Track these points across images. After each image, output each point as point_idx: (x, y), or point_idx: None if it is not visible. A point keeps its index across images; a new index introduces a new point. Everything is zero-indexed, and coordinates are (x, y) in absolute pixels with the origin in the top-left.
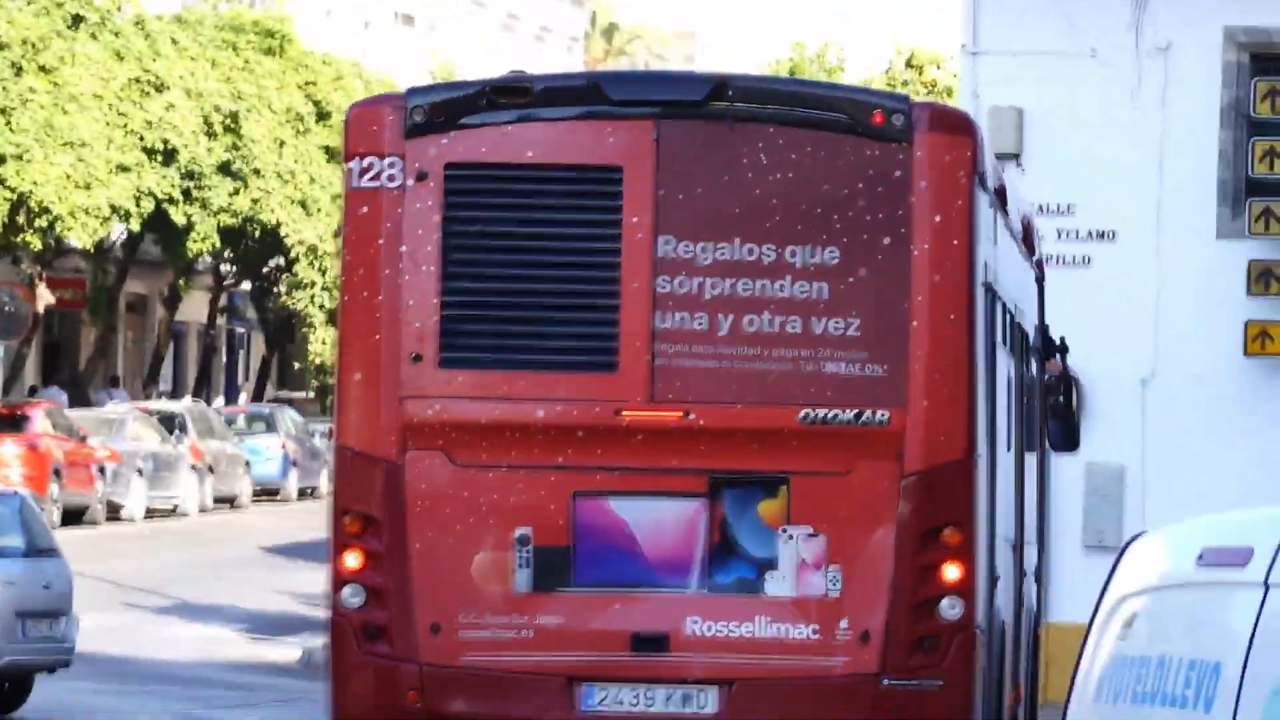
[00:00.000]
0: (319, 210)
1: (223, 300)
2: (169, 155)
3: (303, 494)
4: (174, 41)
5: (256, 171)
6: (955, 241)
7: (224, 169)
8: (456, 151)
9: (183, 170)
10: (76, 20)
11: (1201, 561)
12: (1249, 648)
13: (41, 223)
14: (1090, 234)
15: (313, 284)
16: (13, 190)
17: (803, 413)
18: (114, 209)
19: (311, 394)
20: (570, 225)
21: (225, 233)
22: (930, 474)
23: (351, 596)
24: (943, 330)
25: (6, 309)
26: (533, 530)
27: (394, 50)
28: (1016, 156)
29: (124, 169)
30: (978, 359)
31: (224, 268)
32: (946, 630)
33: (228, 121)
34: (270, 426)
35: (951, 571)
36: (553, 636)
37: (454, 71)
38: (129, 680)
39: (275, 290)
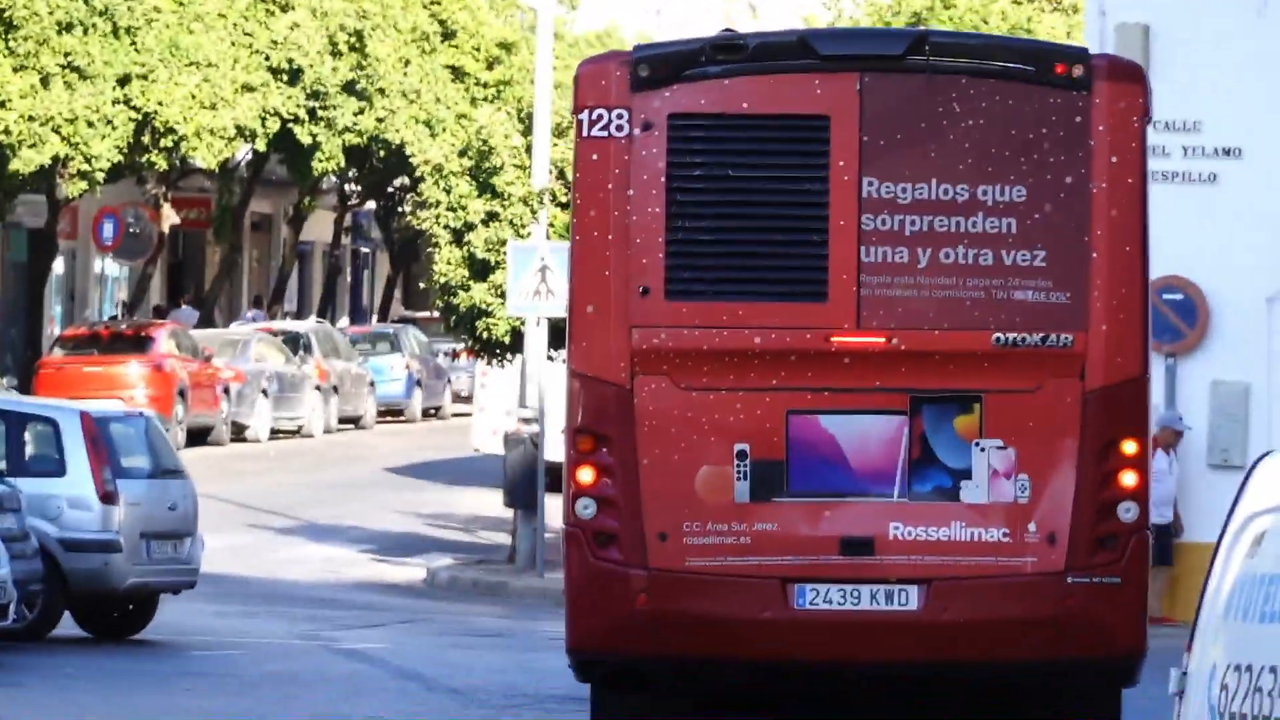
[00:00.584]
0: (444, 130)
1: (347, 220)
2: (294, 75)
3: (427, 414)
4: None
5: (381, 91)
6: (1130, 180)
7: (349, 88)
8: (679, 103)
9: (308, 90)
10: None
11: None
12: None
13: (167, 143)
14: (1217, 151)
15: (437, 203)
16: (138, 110)
17: (995, 336)
18: (239, 129)
19: (436, 314)
20: (783, 169)
21: (350, 152)
22: (1110, 390)
23: (585, 508)
24: (1120, 261)
25: (132, 229)
26: (750, 446)
27: None
28: None
29: (249, 89)
30: (1148, 287)
31: (349, 187)
32: (1124, 531)
33: (353, 40)
34: (395, 346)
35: (1128, 478)
36: (769, 542)
37: None
38: (253, 601)
39: (400, 210)
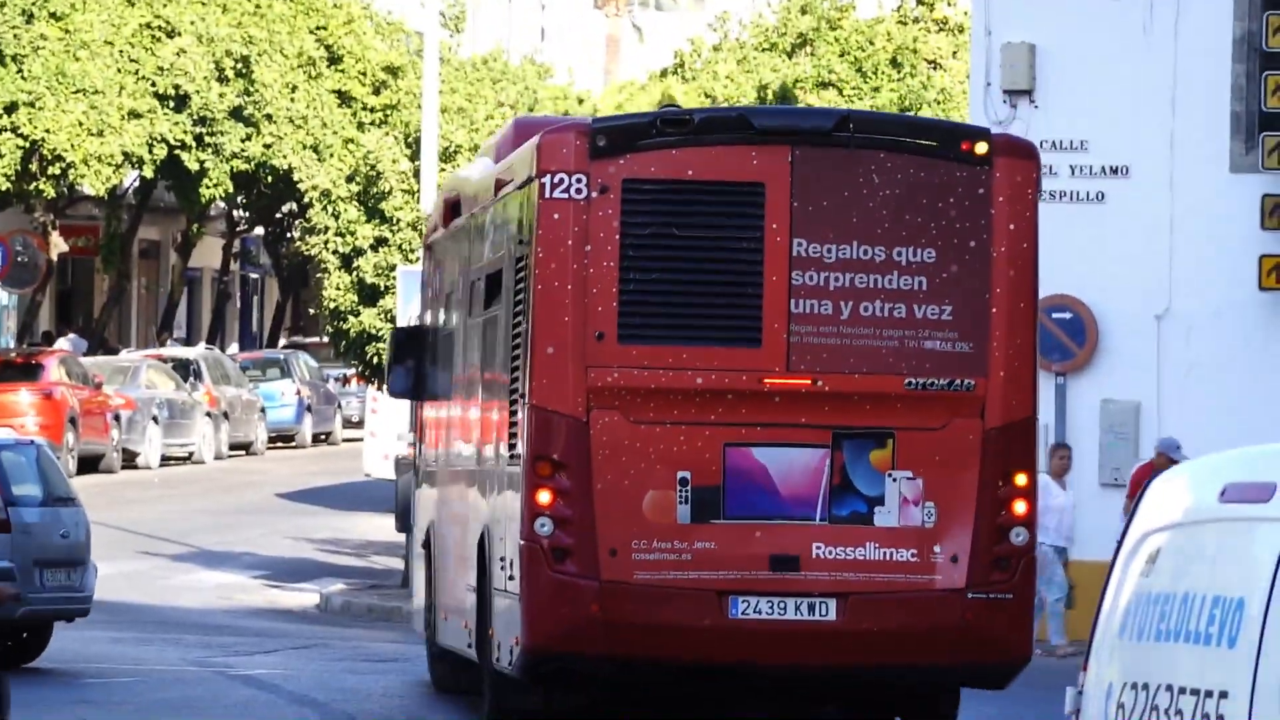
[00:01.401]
0: (331, 155)
1: (236, 246)
2: (181, 101)
3: (317, 439)
4: None
5: (269, 117)
6: (1025, 245)
7: (236, 114)
8: (632, 170)
9: (195, 116)
10: None
11: (1224, 497)
12: (1273, 583)
13: (54, 170)
14: (1104, 170)
15: (326, 229)
16: (25, 138)
17: (907, 380)
18: (127, 156)
19: (326, 339)
20: (723, 230)
21: (238, 178)
22: (1006, 429)
23: (542, 526)
24: (1016, 316)
25: (20, 258)
26: (691, 473)
27: None
28: (1029, 92)
29: (136, 115)
30: (1037, 338)
31: (237, 213)
32: (1016, 554)
33: (239, 66)
34: (285, 372)
35: (1020, 507)
36: (707, 558)
37: (464, 14)
38: (147, 628)
39: (289, 236)
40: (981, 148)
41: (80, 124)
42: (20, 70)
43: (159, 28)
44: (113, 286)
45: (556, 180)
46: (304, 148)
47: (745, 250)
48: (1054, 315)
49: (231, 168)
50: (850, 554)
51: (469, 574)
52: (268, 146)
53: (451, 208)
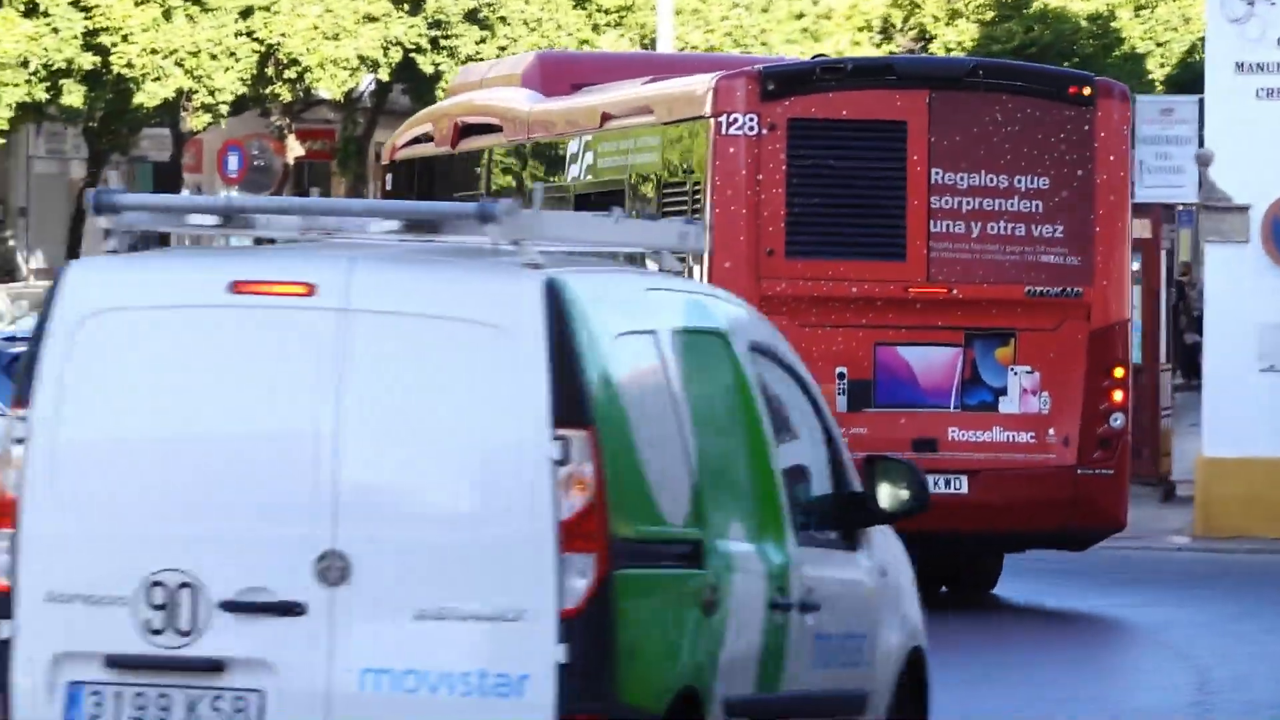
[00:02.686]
0: None
1: None
2: (416, 4)
3: None
4: None
5: (503, 19)
6: (1121, 173)
7: (471, 17)
8: (795, 110)
9: (430, 19)
10: None
11: None
12: None
13: (290, 75)
14: None
15: None
16: (261, 42)
17: (1027, 289)
18: (362, 59)
19: None
20: (872, 161)
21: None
22: (1107, 330)
23: None
24: (1115, 233)
25: (257, 162)
26: (847, 369)
27: None
28: None
29: (371, 19)
30: (1130, 251)
31: None
32: (1115, 435)
33: None
34: None
35: (1118, 395)
36: (860, 441)
37: None
38: None
39: None
40: (1086, 91)
41: (315, 28)
42: None
43: None
44: (349, 190)
45: (731, 120)
46: (538, 49)
47: (891, 179)
48: None
49: None
50: (979, 437)
51: None
52: (502, 49)
53: (461, 129)
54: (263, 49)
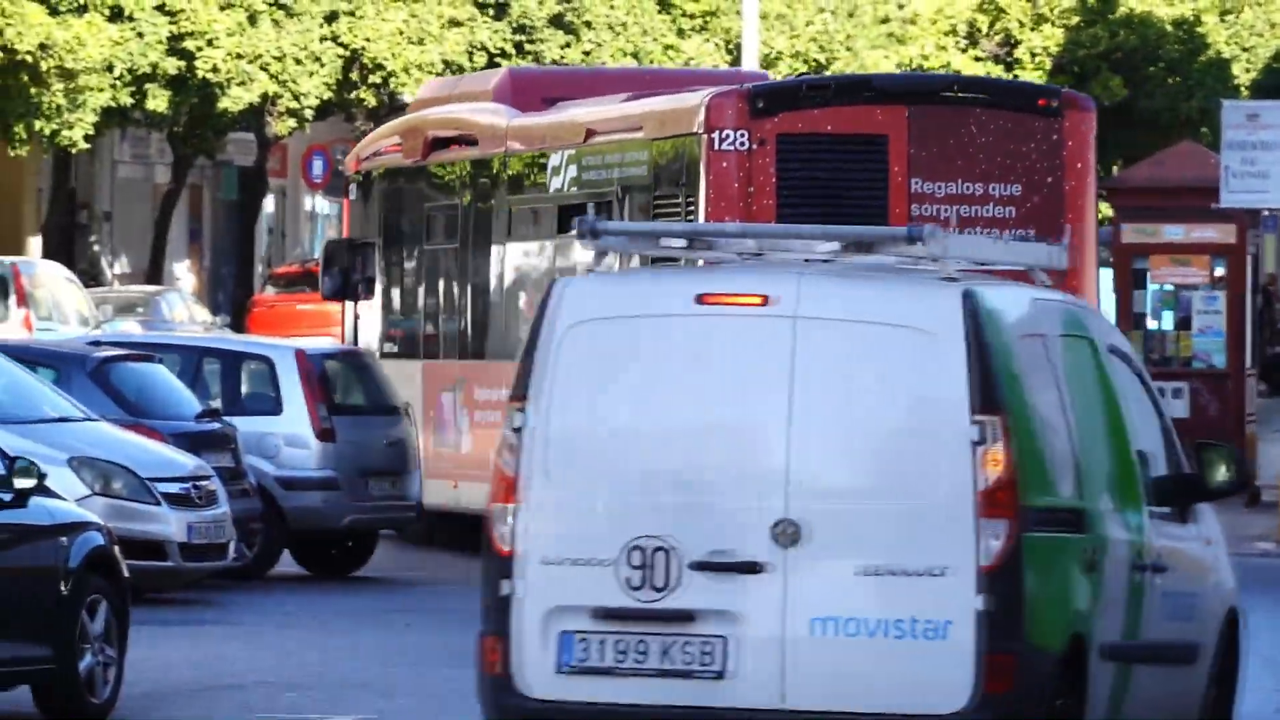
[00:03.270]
0: (651, 62)
1: None
2: (500, 9)
3: None
4: None
5: (588, 24)
6: (1088, 179)
7: (555, 21)
8: (783, 126)
9: (514, 24)
10: None
11: None
12: None
13: (375, 79)
14: None
15: None
16: (345, 47)
17: None
18: (447, 64)
19: None
20: (856, 173)
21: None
22: None
23: None
24: (1084, 233)
25: (341, 167)
26: None
27: None
28: None
29: (456, 23)
30: (1097, 250)
31: None
32: None
33: None
34: None
35: None
36: None
37: None
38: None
39: None
40: (1053, 103)
41: (400, 33)
42: None
43: None
44: None
45: (724, 135)
46: (624, 54)
47: (874, 189)
48: None
49: None
50: None
51: None
52: (587, 54)
53: (432, 142)
54: (347, 54)
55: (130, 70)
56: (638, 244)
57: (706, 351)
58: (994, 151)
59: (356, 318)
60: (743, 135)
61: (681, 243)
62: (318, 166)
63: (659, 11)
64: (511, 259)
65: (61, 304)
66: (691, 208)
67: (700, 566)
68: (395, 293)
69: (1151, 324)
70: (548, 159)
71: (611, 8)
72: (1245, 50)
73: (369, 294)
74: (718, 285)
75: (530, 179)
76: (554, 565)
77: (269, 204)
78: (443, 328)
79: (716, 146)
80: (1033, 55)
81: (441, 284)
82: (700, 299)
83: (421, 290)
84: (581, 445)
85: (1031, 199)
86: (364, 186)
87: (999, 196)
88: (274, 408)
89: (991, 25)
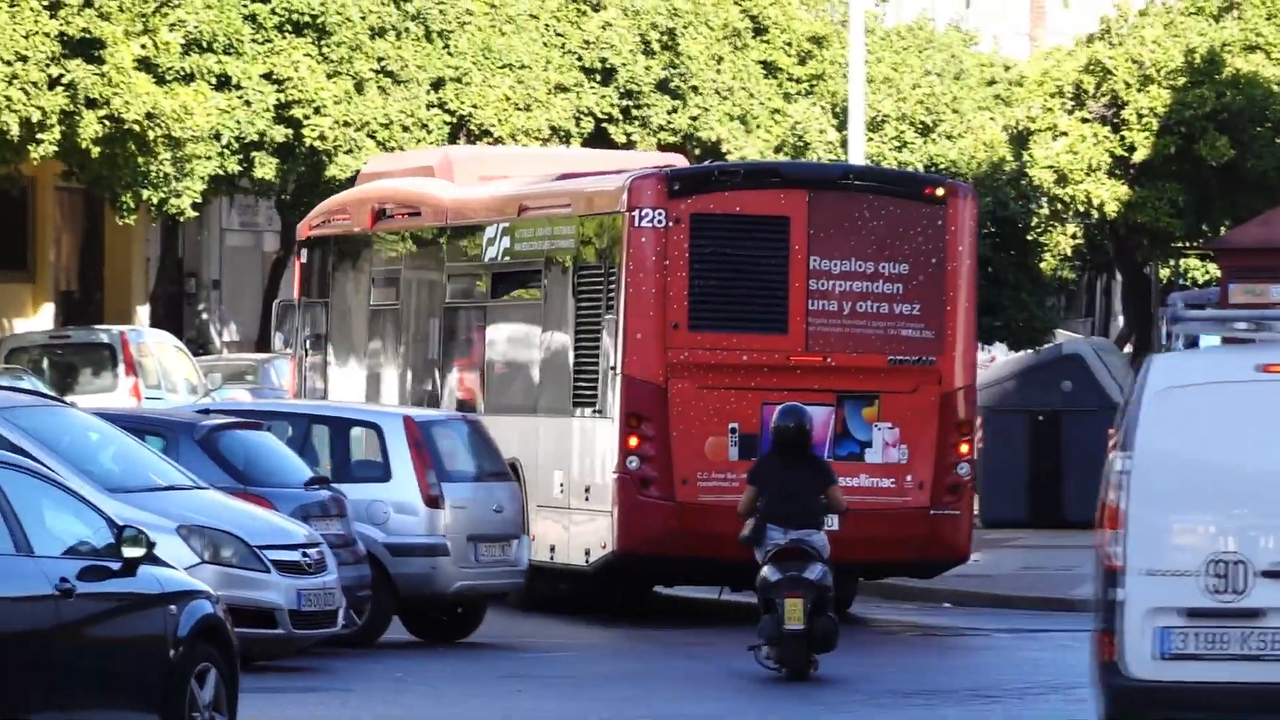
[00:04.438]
0: (758, 125)
1: None
2: (607, 74)
3: None
4: None
5: (695, 89)
6: (969, 261)
7: (662, 86)
8: (697, 207)
9: (621, 89)
10: None
11: None
12: None
13: (483, 145)
14: None
15: None
16: (453, 114)
17: (889, 358)
18: (554, 130)
19: None
20: (761, 250)
21: (666, 150)
22: (954, 393)
23: (632, 462)
24: (963, 310)
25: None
26: (739, 424)
27: None
28: None
29: (563, 89)
30: (976, 328)
31: None
32: (961, 482)
33: (665, 39)
34: None
35: (964, 448)
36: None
37: None
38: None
39: None
40: (939, 192)
41: (507, 98)
42: (447, 46)
43: (585, 1)
44: None
45: (643, 214)
46: (730, 119)
47: (776, 265)
48: None
49: (658, 140)
50: (848, 482)
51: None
52: (694, 118)
53: (379, 213)
54: (454, 120)
55: (238, 138)
56: (1210, 328)
57: (1268, 409)
58: (884, 234)
59: (304, 372)
60: (660, 214)
61: (1247, 326)
62: None
63: (765, 76)
64: (448, 320)
65: (170, 372)
66: (613, 278)
67: (1270, 574)
68: (341, 348)
69: None
70: (484, 231)
71: (718, 73)
72: None
73: (317, 350)
74: (1277, 357)
75: (468, 249)
76: (1152, 576)
77: None
78: (383, 382)
79: (637, 224)
80: (1139, 116)
81: (383, 341)
82: (1262, 368)
83: (365, 347)
84: (1170, 483)
85: (917, 277)
86: (313, 251)
87: (888, 274)
88: (383, 475)
89: (1098, 87)
